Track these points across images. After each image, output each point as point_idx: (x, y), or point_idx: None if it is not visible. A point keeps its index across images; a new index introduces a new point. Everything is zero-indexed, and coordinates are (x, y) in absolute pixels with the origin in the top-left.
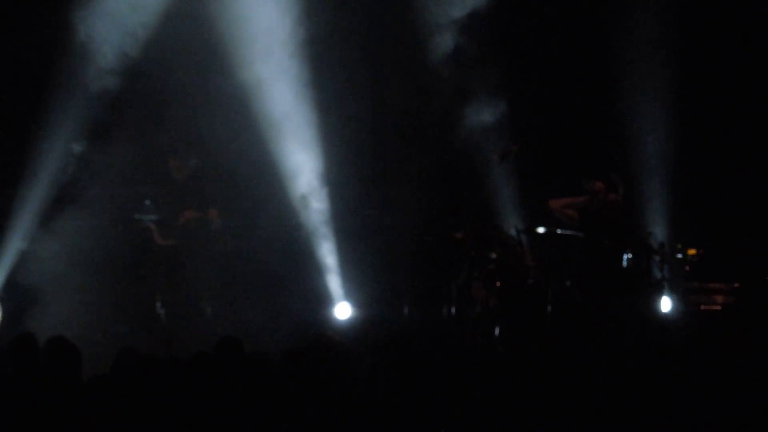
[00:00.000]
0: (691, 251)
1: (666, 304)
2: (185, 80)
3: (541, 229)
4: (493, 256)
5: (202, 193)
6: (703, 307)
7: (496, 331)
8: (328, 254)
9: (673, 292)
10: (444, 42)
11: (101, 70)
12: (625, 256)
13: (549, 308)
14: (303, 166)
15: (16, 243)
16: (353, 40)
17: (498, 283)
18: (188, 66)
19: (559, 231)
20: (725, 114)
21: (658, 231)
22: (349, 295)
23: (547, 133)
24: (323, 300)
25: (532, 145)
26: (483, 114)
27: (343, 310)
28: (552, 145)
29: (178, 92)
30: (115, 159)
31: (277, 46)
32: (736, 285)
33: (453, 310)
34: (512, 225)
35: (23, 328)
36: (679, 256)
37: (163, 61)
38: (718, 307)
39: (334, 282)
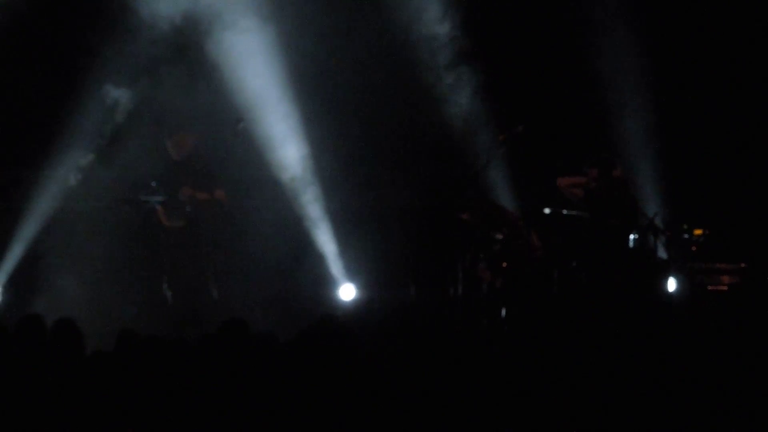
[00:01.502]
0: (698, 231)
1: (672, 285)
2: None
3: (547, 210)
4: (499, 236)
5: (203, 171)
6: (709, 287)
7: (503, 312)
8: (333, 236)
9: (680, 273)
10: (437, 20)
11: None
12: (631, 237)
13: (555, 289)
14: (307, 146)
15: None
16: (348, 24)
17: (504, 264)
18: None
19: (565, 212)
20: (734, 92)
21: (664, 211)
22: (355, 277)
23: (552, 113)
24: (328, 282)
25: (538, 125)
26: (486, 93)
27: (347, 292)
28: (557, 125)
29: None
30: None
31: (272, 32)
32: (742, 265)
33: (459, 290)
34: (518, 206)
35: (30, 310)
36: (686, 236)
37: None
38: (725, 288)
39: (339, 263)
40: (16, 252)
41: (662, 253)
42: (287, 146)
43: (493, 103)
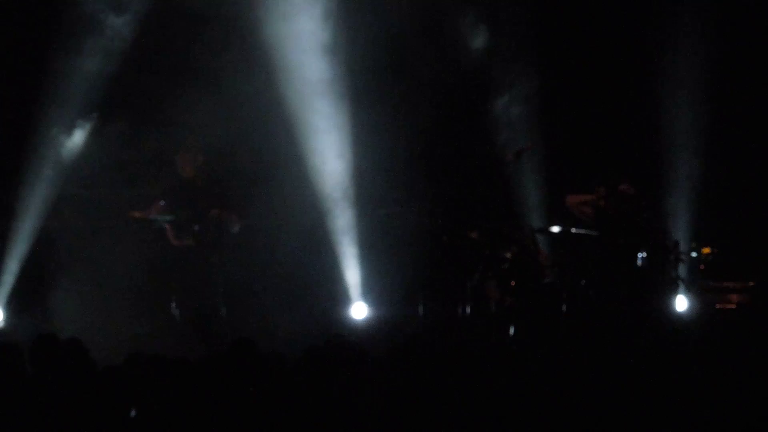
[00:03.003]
0: (706, 250)
1: (681, 303)
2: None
3: (555, 229)
4: (508, 255)
5: (212, 189)
6: (717, 305)
7: (511, 331)
8: (343, 254)
9: (688, 291)
10: (470, 39)
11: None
12: (639, 255)
13: (564, 307)
14: (321, 167)
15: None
16: (377, 41)
17: (513, 283)
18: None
19: (573, 230)
20: (745, 113)
21: (673, 230)
22: (365, 295)
23: (563, 130)
24: (339, 300)
25: (548, 143)
26: (502, 111)
27: (359, 310)
28: (568, 143)
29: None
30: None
31: (301, 44)
32: (750, 283)
33: (468, 309)
34: (527, 224)
35: (38, 330)
36: (694, 254)
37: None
38: (733, 306)
39: (349, 282)
40: (13, 269)
41: (671, 272)
42: (303, 168)
43: (511, 122)
